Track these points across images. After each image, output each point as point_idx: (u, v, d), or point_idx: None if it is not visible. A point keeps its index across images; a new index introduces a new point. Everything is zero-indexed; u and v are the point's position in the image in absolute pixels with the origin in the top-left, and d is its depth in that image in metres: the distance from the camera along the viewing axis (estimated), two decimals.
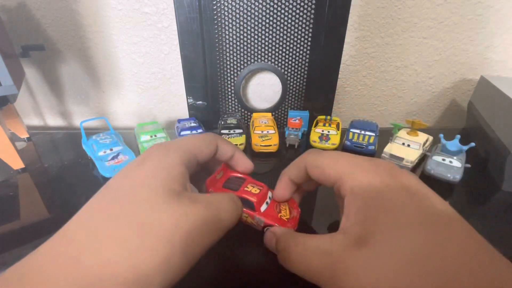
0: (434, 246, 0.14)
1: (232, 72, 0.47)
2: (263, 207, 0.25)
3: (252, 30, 0.44)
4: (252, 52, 0.46)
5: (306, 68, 0.47)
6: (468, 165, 0.36)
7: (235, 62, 0.46)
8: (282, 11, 0.42)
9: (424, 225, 0.15)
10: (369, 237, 0.15)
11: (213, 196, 0.20)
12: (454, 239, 0.14)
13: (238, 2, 0.41)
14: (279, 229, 0.22)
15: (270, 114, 0.49)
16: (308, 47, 0.45)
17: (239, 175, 0.27)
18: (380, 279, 0.14)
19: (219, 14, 0.42)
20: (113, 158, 0.36)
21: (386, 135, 0.43)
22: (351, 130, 0.43)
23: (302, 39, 0.44)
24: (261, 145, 0.41)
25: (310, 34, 0.44)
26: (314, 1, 0.41)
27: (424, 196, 0.17)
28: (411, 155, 0.38)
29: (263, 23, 0.43)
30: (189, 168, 0.21)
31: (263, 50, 0.45)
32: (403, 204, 0.16)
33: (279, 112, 0.52)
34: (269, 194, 0.26)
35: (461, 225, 0.15)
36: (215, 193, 0.24)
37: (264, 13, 0.42)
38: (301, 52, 0.45)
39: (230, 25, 0.43)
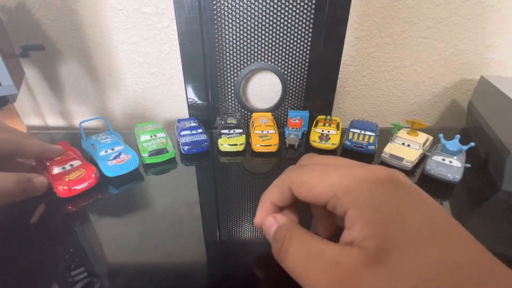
0: (447, 264, 0.14)
1: (232, 72, 0.47)
2: (57, 170, 0.32)
3: (252, 30, 0.44)
4: (252, 52, 0.46)
5: (306, 68, 0.47)
6: (468, 165, 0.36)
7: (235, 62, 0.46)
8: (282, 11, 0.42)
9: (434, 239, 0.15)
10: (385, 254, 0.15)
11: None
12: (463, 254, 0.14)
13: (238, 2, 0.41)
14: (282, 217, 0.21)
15: (270, 114, 0.49)
16: (308, 47, 0.45)
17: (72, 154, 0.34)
18: None
19: (219, 14, 0.42)
20: (115, 158, 0.36)
21: (386, 135, 0.43)
22: (351, 130, 0.43)
23: (302, 39, 0.44)
24: (261, 145, 0.41)
25: (310, 34, 0.44)
26: (314, 1, 0.41)
27: (424, 202, 0.17)
28: (411, 155, 0.38)
29: (263, 23, 0.43)
30: None
31: (263, 50, 0.45)
32: (411, 216, 0.15)
33: (279, 112, 0.52)
34: (75, 162, 0.33)
35: (462, 233, 0.15)
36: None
37: (264, 13, 0.42)
38: (301, 52, 0.45)
39: (230, 25, 0.43)
